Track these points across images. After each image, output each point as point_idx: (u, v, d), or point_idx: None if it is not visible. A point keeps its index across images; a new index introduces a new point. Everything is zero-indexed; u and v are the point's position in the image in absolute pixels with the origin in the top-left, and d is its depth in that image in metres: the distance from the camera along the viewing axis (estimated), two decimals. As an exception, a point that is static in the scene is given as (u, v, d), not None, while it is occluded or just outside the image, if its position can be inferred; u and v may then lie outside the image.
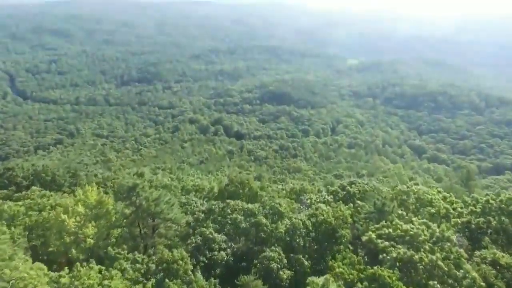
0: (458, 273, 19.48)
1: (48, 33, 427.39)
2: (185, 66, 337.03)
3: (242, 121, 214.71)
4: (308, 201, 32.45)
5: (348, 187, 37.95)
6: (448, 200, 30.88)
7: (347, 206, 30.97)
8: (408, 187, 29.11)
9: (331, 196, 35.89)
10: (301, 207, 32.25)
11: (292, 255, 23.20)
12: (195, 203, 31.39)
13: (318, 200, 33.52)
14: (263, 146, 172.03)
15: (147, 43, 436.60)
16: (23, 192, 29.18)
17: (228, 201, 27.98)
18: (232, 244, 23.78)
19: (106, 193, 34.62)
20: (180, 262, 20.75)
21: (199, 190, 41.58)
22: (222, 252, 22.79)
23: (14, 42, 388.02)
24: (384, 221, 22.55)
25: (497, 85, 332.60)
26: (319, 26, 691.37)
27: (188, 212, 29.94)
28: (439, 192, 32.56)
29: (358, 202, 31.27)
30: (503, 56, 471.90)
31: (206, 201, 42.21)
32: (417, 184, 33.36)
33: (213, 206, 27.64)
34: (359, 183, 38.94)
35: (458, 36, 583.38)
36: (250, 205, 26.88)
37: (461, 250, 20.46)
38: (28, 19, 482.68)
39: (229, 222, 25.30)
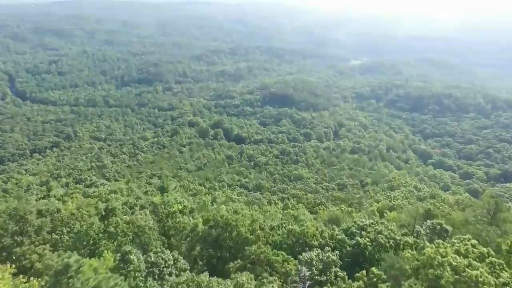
0: None
1: (49, 33, 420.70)
2: (186, 67, 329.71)
3: (243, 123, 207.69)
4: (307, 267, 25.13)
5: (358, 236, 30.50)
6: (489, 260, 23.66)
7: (359, 274, 23.78)
8: (442, 255, 21.71)
9: (337, 251, 28.52)
10: (299, 268, 25.12)
11: None
12: (165, 262, 24.42)
13: (320, 258, 26.34)
14: (264, 151, 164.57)
15: (148, 43, 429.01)
16: None
17: (199, 281, 20.89)
18: None
19: (60, 238, 27.66)
20: None
21: (180, 229, 34.60)
22: None
23: (15, 42, 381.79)
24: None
25: (502, 86, 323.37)
26: (321, 26, 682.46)
27: (156, 276, 23.03)
28: (473, 246, 25.27)
29: (374, 271, 24.03)
30: (506, 57, 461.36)
31: (187, 241, 35.48)
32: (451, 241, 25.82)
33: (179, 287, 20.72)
34: (370, 227, 31.60)
35: (460, 36, 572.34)
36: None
37: None
38: (29, 19, 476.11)
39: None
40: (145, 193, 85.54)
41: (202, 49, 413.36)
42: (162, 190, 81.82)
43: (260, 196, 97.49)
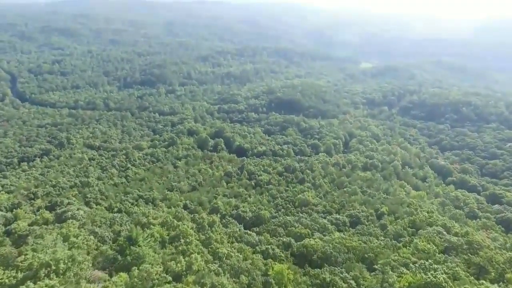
0: None
1: (56, 32, 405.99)
2: (191, 68, 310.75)
3: (246, 132, 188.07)
4: None
5: None
6: None
7: None
8: None
9: None
10: None
11: None
12: None
13: None
14: (267, 166, 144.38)
15: (153, 43, 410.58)
16: None
17: None
18: None
19: None
20: None
21: None
22: None
23: (22, 41, 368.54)
24: None
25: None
26: (330, 27, 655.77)
27: None
28: None
29: None
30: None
31: None
32: None
33: None
34: None
35: (478, 38, 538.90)
36: None
37: None
38: (37, 18, 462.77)
39: None
40: (114, 241, 66.91)
41: (208, 49, 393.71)
42: (131, 241, 63.14)
43: (257, 239, 78.11)
